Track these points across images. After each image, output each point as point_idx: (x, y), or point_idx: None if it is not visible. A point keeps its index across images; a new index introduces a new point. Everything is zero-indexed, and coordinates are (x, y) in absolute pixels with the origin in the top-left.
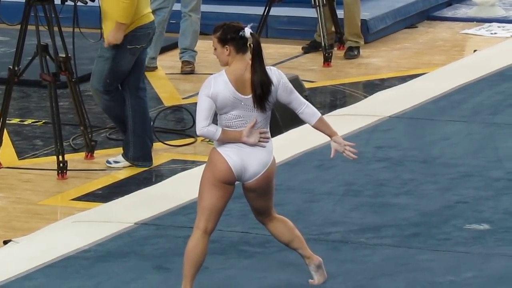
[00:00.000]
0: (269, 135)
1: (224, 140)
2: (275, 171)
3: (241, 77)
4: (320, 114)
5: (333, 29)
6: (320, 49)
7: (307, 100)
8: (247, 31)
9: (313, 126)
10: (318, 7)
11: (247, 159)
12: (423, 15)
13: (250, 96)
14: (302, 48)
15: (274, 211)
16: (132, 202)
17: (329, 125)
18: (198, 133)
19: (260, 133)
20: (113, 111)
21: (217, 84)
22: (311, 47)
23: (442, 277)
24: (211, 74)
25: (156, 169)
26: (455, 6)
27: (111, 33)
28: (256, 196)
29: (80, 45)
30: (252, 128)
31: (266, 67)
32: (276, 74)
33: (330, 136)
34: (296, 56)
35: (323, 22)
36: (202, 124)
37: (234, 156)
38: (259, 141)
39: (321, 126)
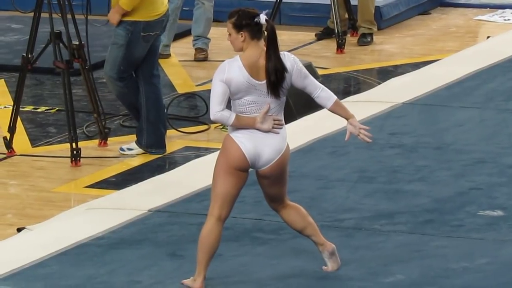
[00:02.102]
0: (283, 121)
1: (238, 126)
2: (289, 158)
3: (256, 63)
4: (336, 97)
5: (346, 15)
6: (333, 35)
7: None
8: (262, 18)
9: (329, 110)
10: None
11: (261, 146)
12: (436, 1)
13: (264, 82)
14: (316, 35)
15: (288, 198)
16: (146, 189)
17: (345, 108)
18: (212, 117)
19: (274, 119)
20: (126, 98)
21: (231, 69)
22: (325, 34)
23: (455, 264)
24: (224, 61)
25: (169, 156)
26: None
27: (110, 12)
28: (270, 183)
29: (93, 32)
30: (265, 114)
31: (280, 53)
32: (290, 60)
33: (346, 118)
34: (310, 43)
35: (337, 9)
36: (216, 109)
37: (247, 143)
38: (273, 128)
39: (337, 109)
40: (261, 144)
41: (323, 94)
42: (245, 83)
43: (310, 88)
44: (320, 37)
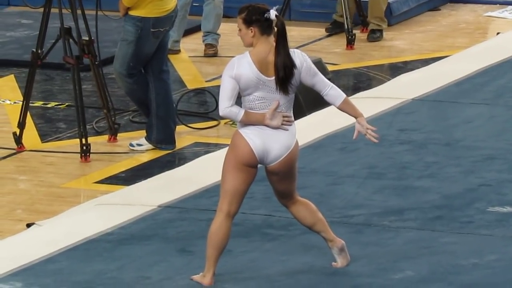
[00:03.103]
0: (292, 118)
1: (247, 122)
2: (297, 155)
3: (265, 59)
4: (345, 96)
5: (354, 9)
6: (341, 29)
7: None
8: (272, 13)
9: (338, 108)
10: None
11: (270, 142)
12: None
13: (273, 78)
14: (326, 30)
15: (297, 194)
16: (155, 185)
17: (354, 106)
18: (220, 113)
19: (283, 116)
20: (136, 95)
21: (241, 65)
22: (334, 28)
23: (465, 260)
24: (234, 56)
25: (179, 152)
26: None
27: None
28: (279, 179)
29: (103, 28)
30: (274, 111)
31: (290, 50)
32: (299, 57)
33: (355, 117)
34: (320, 39)
35: (347, 4)
36: (225, 105)
37: (256, 139)
38: (282, 124)
39: (346, 108)
40: (270, 140)
41: (332, 92)
42: (254, 79)
43: (319, 86)
44: (330, 31)
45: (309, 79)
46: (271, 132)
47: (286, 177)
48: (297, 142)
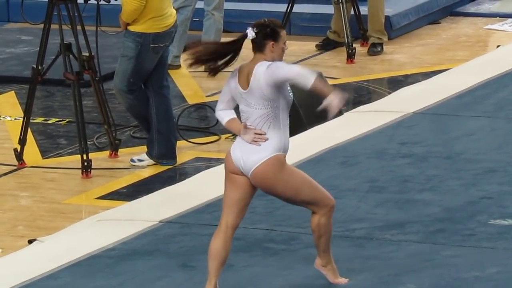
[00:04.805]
0: (266, 136)
1: (229, 129)
2: (270, 175)
3: (244, 72)
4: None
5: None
6: (333, 46)
7: None
8: (249, 33)
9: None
10: (341, 4)
11: (246, 154)
12: (446, 10)
13: (247, 90)
14: (316, 46)
15: (320, 208)
16: (157, 200)
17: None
18: (215, 114)
19: (255, 133)
20: (136, 110)
21: (233, 74)
22: (325, 45)
23: (467, 273)
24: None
25: (180, 167)
26: (478, 1)
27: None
28: (267, 192)
29: (103, 44)
30: (247, 125)
31: (258, 64)
32: (261, 68)
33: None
34: (320, 53)
35: (346, 19)
36: (218, 107)
37: (236, 149)
38: (253, 140)
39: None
40: (246, 152)
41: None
42: (233, 90)
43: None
44: (320, 48)
45: (274, 78)
46: (248, 145)
47: (271, 193)
48: (268, 161)
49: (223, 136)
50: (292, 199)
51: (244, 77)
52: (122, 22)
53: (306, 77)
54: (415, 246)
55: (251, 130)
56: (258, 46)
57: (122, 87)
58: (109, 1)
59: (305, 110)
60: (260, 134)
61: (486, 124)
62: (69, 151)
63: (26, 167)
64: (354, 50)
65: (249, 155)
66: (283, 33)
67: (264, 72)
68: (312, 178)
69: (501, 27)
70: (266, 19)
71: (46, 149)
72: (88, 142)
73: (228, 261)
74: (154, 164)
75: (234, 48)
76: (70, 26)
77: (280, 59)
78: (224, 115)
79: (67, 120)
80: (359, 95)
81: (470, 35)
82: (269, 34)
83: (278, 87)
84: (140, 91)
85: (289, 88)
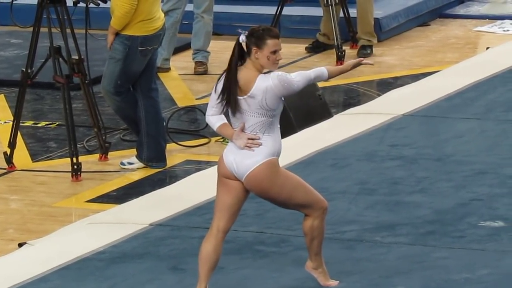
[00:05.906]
0: (260, 141)
1: (221, 134)
2: (265, 179)
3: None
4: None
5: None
6: (322, 49)
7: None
8: (241, 38)
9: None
10: (330, 6)
11: (239, 158)
12: (436, 13)
13: (245, 97)
14: (306, 49)
15: (313, 211)
16: (147, 203)
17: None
18: (206, 119)
19: (249, 138)
20: (124, 112)
21: (221, 79)
22: (314, 47)
23: (457, 275)
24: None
25: (170, 170)
26: (467, 3)
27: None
28: (260, 196)
29: (92, 47)
30: (240, 131)
31: (264, 75)
32: (266, 81)
33: (346, 70)
34: (309, 56)
35: (336, 22)
36: (208, 112)
37: (229, 153)
38: (246, 146)
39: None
40: (238, 157)
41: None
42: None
43: (304, 83)
44: (310, 50)
45: (286, 89)
46: (241, 150)
47: (264, 197)
48: (263, 165)
49: (213, 139)
50: (286, 203)
51: (241, 83)
52: (111, 37)
53: (318, 74)
54: (406, 248)
55: (244, 135)
56: (247, 51)
57: (109, 89)
58: (99, 4)
59: (294, 113)
60: (253, 139)
61: (475, 126)
62: (59, 154)
63: (16, 170)
64: (343, 53)
65: (242, 159)
66: (272, 42)
67: (276, 85)
68: (304, 181)
69: (491, 29)
70: (261, 26)
71: (36, 152)
72: (78, 145)
73: (218, 263)
74: (144, 167)
75: (238, 56)
76: (59, 29)
77: (270, 67)
78: (215, 120)
79: (57, 123)
80: (349, 97)
81: (460, 37)
82: (253, 41)
83: (285, 96)
84: (128, 93)
85: None
